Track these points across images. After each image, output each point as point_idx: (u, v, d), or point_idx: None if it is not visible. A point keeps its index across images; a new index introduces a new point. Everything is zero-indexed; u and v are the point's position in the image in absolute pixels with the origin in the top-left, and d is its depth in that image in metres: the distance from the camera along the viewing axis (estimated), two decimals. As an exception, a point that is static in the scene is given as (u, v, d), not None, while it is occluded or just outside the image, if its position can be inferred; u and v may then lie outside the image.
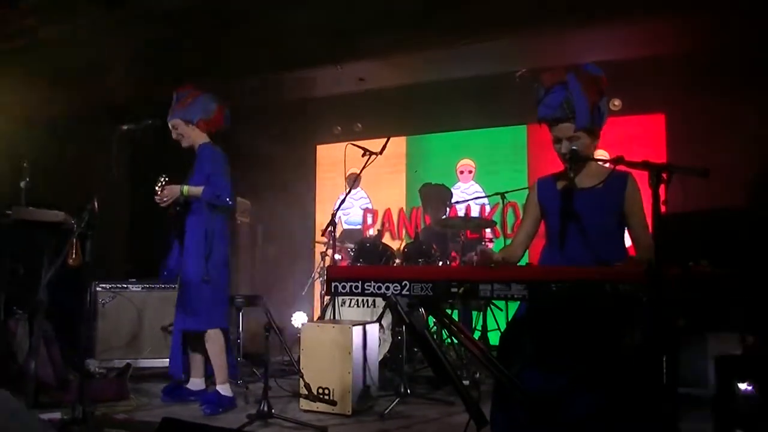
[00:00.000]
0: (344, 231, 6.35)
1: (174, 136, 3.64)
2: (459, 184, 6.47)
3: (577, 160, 2.28)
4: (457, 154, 6.54)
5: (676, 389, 1.65)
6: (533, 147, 6.16)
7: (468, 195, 6.30)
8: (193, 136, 3.64)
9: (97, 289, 4.56)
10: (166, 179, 3.46)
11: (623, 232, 2.33)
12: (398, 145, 6.86)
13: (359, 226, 6.74)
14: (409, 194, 6.68)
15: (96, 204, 2.97)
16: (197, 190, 3.44)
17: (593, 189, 2.31)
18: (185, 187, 3.44)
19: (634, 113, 5.55)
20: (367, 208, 6.91)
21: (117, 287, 4.60)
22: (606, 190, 2.30)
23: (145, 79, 5.57)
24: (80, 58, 5.03)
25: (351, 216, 6.90)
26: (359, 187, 6.93)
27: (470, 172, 6.51)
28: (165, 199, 3.43)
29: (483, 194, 6.18)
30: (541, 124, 2.38)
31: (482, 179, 6.39)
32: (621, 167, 2.03)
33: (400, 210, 6.69)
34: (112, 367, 4.17)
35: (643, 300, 1.67)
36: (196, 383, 3.65)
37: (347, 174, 6.96)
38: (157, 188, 3.43)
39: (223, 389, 3.49)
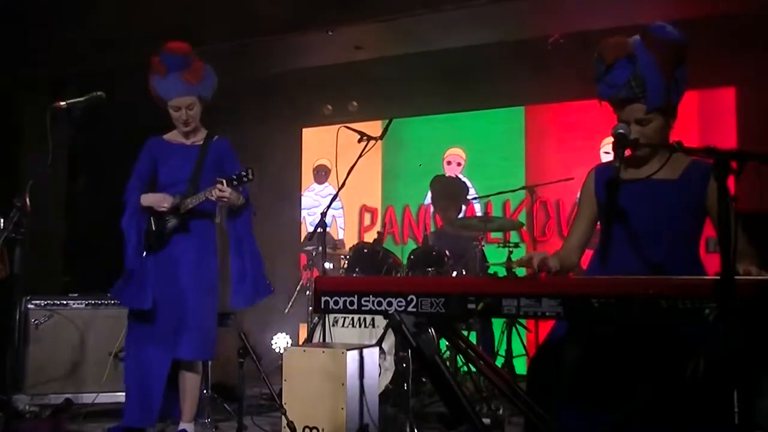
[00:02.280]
0: (308, 234, 6.41)
1: (181, 116, 3.49)
2: None
3: (624, 146, 2.25)
4: (443, 142, 6.65)
5: None
6: (533, 133, 6.28)
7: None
8: (198, 121, 3.61)
9: (29, 306, 4.54)
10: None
11: (698, 241, 2.31)
12: (371, 130, 6.86)
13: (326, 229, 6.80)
14: (385, 191, 6.79)
15: (27, 200, 2.96)
16: (243, 201, 3.48)
17: (665, 182, 2.29)
18: (241, 198, 3.42)
19: (696, 87, 5.53)
20: (369, 205, 6.90)
21: (54, 304, 4.58)
22: (682, 184, 2.28)
23: (89, 45, 5.57)
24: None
25: (317, 216, 7.00)
26: (327, 182, 7.01)
27: (459, 164, 6.66)
28: (226, 200, 3.33)
29: (473, 191, 6.25)
30: (602, 102, 2.38)
31: (472, 172, 6.53)
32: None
33: (405, 208, 6.70)
34: (46, 404, 4.15)
35: (709, 319, 1.66)
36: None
37: (314, 165, 7.00)
38: (224, 182, 3.28)
39: (191, 428, 3.54)
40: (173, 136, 3.63)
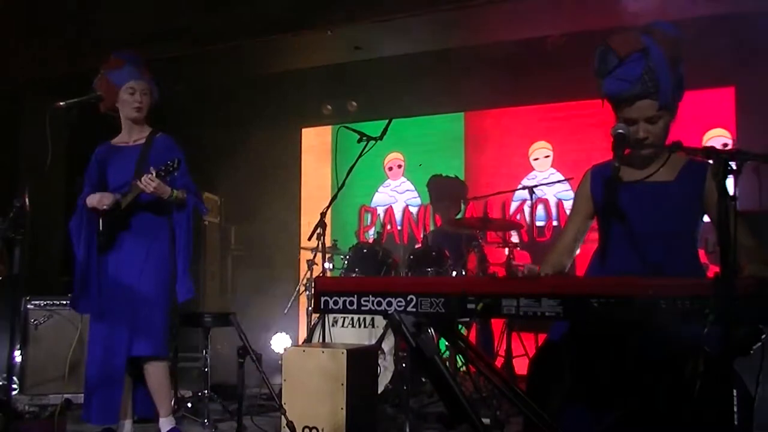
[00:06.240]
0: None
1: (135, 99, 3.53)
2: (389, 181, 6.80)
3: (624, 146, 2.24)
4: (383, 147, 6.67)
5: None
6: (471, 138, 6.42)
7: (398, 193, 6.74)
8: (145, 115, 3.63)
9: (29, 306, 4.54)
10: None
11: (697, 240, 2.31)
12: (322, 133, 7.07)
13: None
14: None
15: (26, 200, 2.95)
16: (183, 196, 3.45)
17: (663, 183, 2.28)
18: (176, 192, 3.40)
19: (696, 87, 5.51)
20: (369, 206, 6.90)
21: (53, 304, 4.58)
22: (679, 185, 2.27)
23: (89, 46, 5.56)
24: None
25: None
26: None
27: (399, 166, 6.83)
28: (152, 190, 3.31)
29: (415, 193, 6.41)
30: (604, 101, 2.34)
31: (413, 174, 6.69)
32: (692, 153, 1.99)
33: (405, 208, 6.71)
34: (45, 405, 4.14)
35: (708, 318, 1.65)
36: (127, 427, 3.60)
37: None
38: (153, 173, 3.29)
39: (170, 422, 3.52)
40: (119, 139, 3.65)
